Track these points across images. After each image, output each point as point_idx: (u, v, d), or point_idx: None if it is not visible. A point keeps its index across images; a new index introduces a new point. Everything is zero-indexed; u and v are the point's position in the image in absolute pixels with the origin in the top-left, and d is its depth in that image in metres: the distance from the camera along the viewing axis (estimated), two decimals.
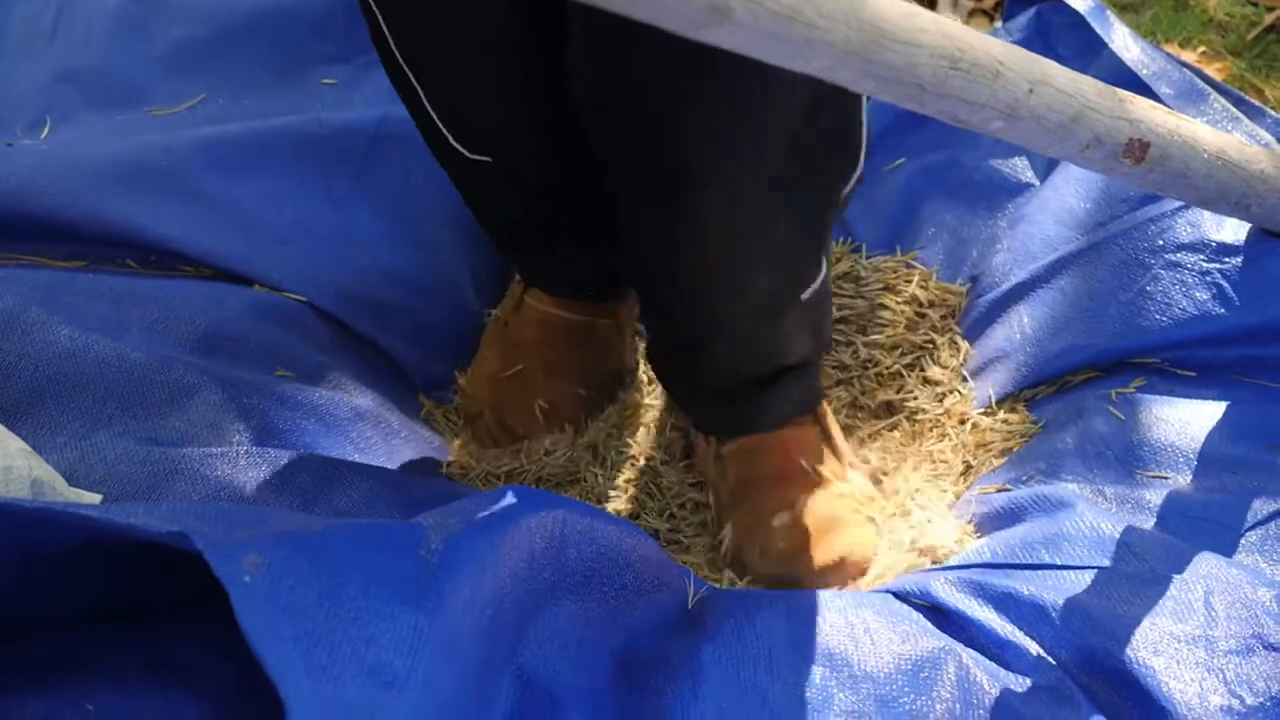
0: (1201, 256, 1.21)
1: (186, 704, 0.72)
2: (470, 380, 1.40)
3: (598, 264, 1.34)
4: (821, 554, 1.19)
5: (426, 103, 1.17)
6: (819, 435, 1.26)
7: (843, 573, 1.18)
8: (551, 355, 1.36)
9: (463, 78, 1.16)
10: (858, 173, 1.13)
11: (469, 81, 1.16)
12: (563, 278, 1.36)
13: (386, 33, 1.14)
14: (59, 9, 1.59)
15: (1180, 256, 1.22)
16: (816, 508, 1.21)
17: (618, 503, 1.31)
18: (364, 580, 0.64)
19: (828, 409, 1.29)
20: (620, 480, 1.32)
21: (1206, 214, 1.23)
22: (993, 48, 0.86)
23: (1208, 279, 1.20)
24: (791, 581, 1.18)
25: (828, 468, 1.25)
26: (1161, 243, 1.24)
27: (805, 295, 1.16)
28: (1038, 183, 1.47)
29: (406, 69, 1.15)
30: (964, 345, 1.40)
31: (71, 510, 0.66)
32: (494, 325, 1.42)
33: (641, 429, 1.37)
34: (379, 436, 1.26)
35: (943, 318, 1.43)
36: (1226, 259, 1.20)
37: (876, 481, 1.29)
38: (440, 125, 1.19)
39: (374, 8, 1.13)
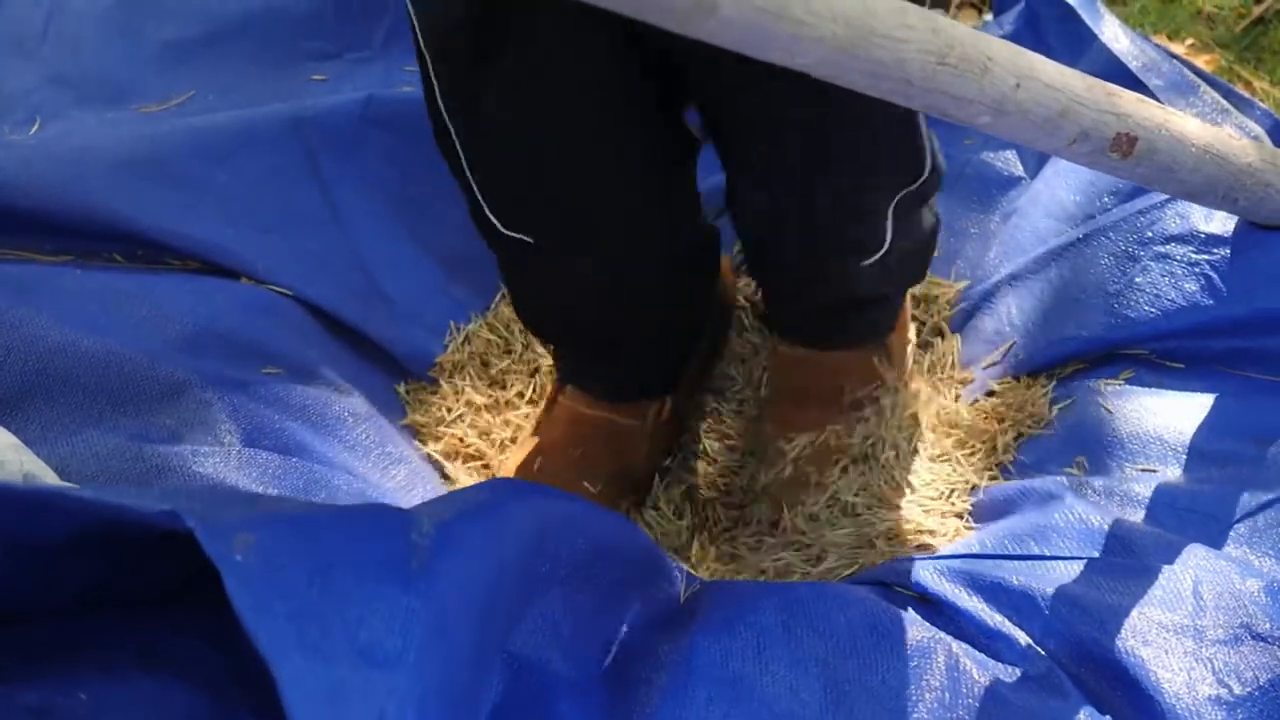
0: (1190, 248, 1.22)
1: (178, 691, 0.72)
2: (501, 467, 1.35)
3: (656, 368, 1.33)
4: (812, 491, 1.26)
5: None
6: (879, 360, 1.30)
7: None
8: (576, 454, 1.31)
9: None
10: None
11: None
12: (606, 378, 1.33)
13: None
14: (50, 9, 1.58)
15: (1169, 248, 1.23)
16: (830, 440, 1.27)
17: None
18: (356, 561, 0.64)
19: (899, 336, 1.33)
20: None
21: (1195, 206, 1.23)
22: (981, 43, 0.86)
23: (1196, 270, 1.20)
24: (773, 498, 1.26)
25: (877, 392, 1.29)
26: (1150, 235, 1.25)
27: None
28: (1028, 177, 1.47)
29: None
30: (954, 338, 1.40)
31: (64, 492, 0.66)
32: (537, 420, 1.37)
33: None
34: (368, 431, 1.26)
35: (933, 311, 1.43)
36: (1215, 251, 1.20)
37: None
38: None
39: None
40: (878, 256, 1.17)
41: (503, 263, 1.24)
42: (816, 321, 1.30)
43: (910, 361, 1.35)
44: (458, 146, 1.12)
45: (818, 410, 1.29)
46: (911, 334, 1.37)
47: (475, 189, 1.14)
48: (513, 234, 1.15)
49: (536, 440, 1.32)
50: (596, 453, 1.31)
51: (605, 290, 1.20)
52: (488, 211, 1.15)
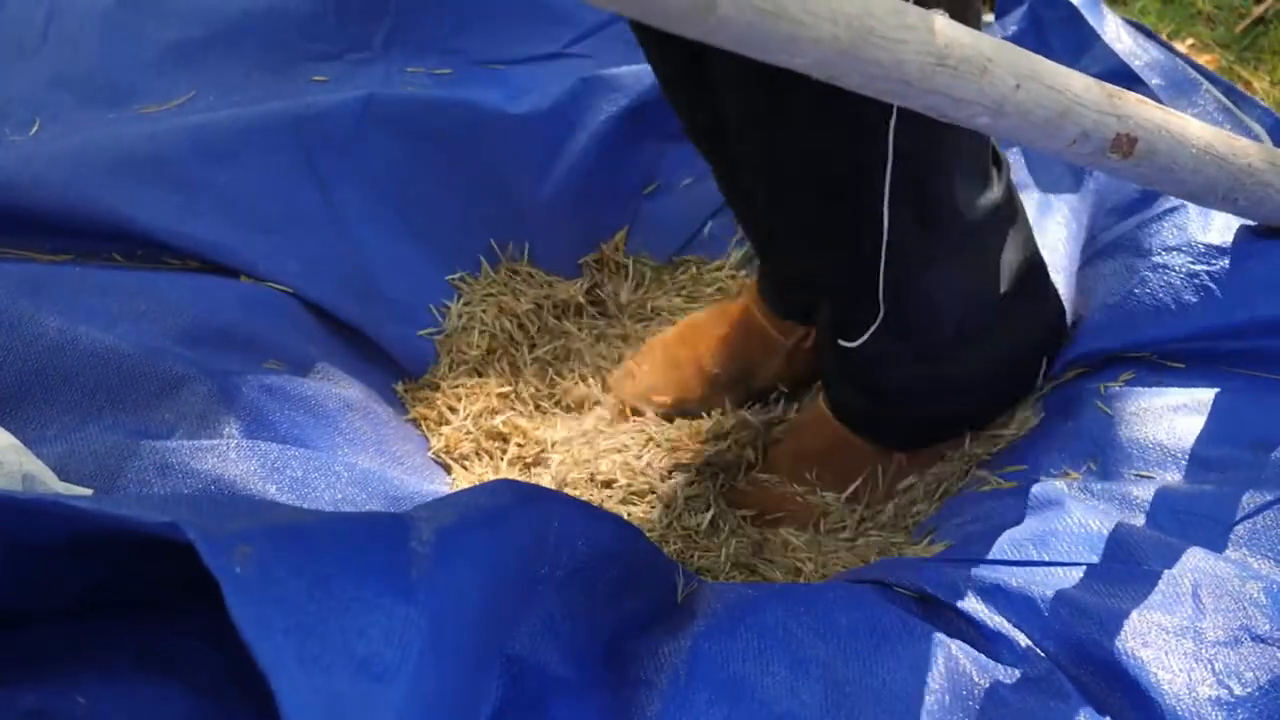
0: (1188, 258, 1.21)
1: (177, 695, 0.72)
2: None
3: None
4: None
5: None
6: (875, 467, 1.29)
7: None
8: (718, 333, 1.43)
9: None
10: None
11: None
12: (769, 288, 1.41)
13: None
14: (50, 10, 1.58)
15: (1167, 258, 1.23)
16: (787, 501, 1.29)
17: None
18: (355, 572, 0.64)
19: (909, 464, 1.30)
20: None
21: (1193, 216, 1.23)
22: (980, 43, 0.86)
23: (1195, 281, 1.20)
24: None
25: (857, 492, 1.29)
26: (1148, 246, 1.25)
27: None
28: (1031, 185, 1.47)
29: None
30: None
31: (64, 502, 0.66)
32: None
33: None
34: (368, 427, 1.26)
35: None
36: (1213, 260, 1.20)
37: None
38: None
39: None
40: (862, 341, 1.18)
41: None
42: (827, 372, 1.31)
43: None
44: None
45: (793, 463, 1.32)
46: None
47: None
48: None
49: (710, 311, 1.46)
50: (734, 340, 1.42)
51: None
52: None
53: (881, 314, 1.15)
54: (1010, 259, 1.20)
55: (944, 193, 1.11)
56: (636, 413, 1.41)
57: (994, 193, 1.16)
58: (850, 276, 1.14)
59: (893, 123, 1.01)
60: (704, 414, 1.40)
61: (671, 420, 1.41)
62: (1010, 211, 1.20)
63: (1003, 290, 1.20)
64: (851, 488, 1.29)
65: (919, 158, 1.05)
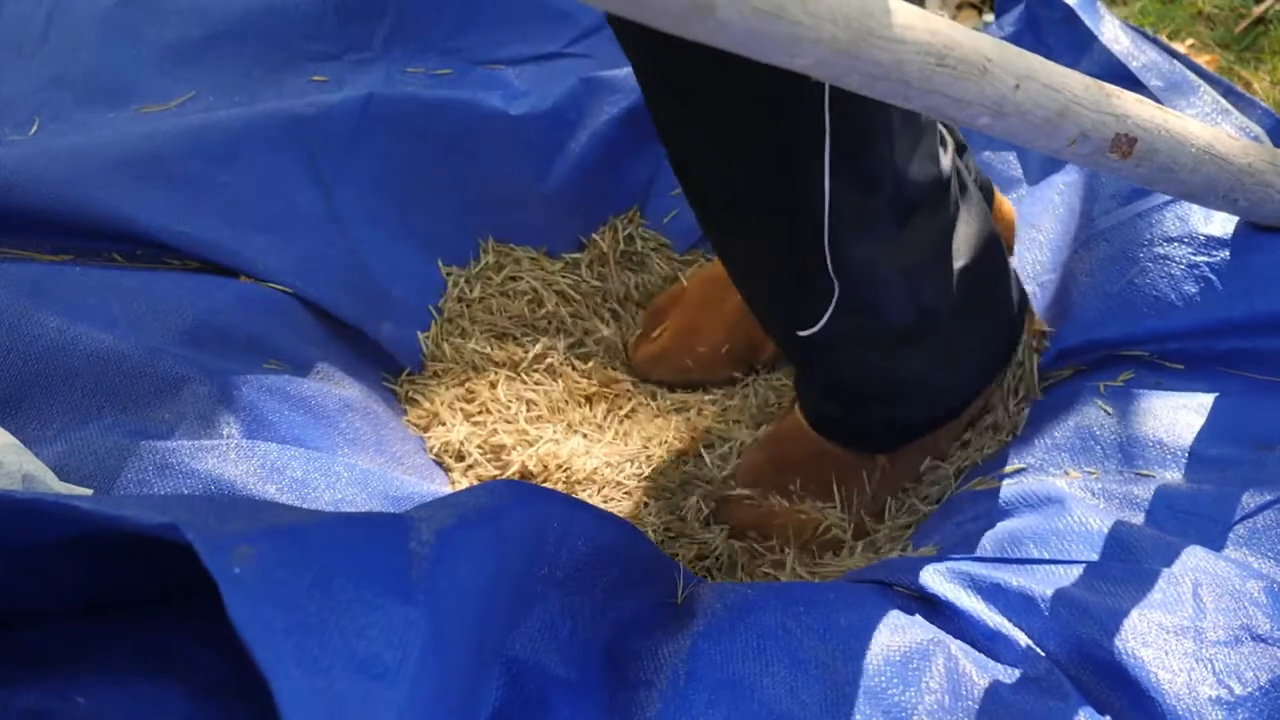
0: (1189, 249, 1.21)
1: (177, 695, 0.72)
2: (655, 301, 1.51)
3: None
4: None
5: None
6: (860, 474, 1.29)
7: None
8: (715, 294, 1.45)
9: None
10: None
11: None
12: None
13: None
14: (50, 10, 1.58)
15: (1168, 249, 1.23)
16: (774, 516, 1.28)
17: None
18: (354, 572, 0.64)
19: (892, 465, 1.30)
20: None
21: (1194, 207, 1.23)
22: (980, 44, 0.86)
23: (1196, 272, 1.20)
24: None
25: (841, 499, 1.28)
26: (1149, 236, 1.25)
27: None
28: (1026, 179, 1.47)
29: None
30: None
31: (63, 502, 0.66)
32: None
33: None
34: (368, 427, 1.26)
35: None
36: (1214, 252, 1.20)
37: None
38: None
39: None
40: (814, 331, 1.16)
41: None
42: (801, 391, 1.31)
43: (885, 508, 1.32)
44: None
45: (775, 474, 1.31)
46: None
47: None
48: None
49: (702, 275, 1.47)
50: (733, 305, 1.42)
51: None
52: None
53: (836, 291, 1.13)
54: (965, 237, 1.19)
55: (884, 160, 1.08)
56: (648, 381, 1.44)
57: (941, 169, 1.14)
58: (795, 248, 1.12)
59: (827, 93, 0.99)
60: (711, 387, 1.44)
61: (674, 390, 1.44)
62: (961, 191, 1.19)
63: (958, 268, 1.18)
64: (838, 498, 1.28)
65: (854, 132, 1.04)
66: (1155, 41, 1.45)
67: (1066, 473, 1.17)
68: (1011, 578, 1.00)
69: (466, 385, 1.41)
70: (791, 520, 1.28)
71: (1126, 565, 0.99)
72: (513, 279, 1.49)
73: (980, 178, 1.35)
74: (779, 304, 1.20)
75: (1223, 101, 1.33)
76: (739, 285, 1.22)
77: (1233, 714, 0.87)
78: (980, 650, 0.96)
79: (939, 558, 1.11)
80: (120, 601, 0.79)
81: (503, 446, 1.35)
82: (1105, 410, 1.19)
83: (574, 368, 1.44)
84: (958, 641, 0.96)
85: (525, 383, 1.42)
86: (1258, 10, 1.76)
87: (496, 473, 1.34)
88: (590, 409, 1.42)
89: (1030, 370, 1.29)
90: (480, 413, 1.39)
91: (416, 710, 0.60)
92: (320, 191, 1.43)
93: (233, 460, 1.07)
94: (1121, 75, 1.38)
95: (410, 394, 1.40)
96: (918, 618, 0.98)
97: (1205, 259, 1.20)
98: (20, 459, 0.94)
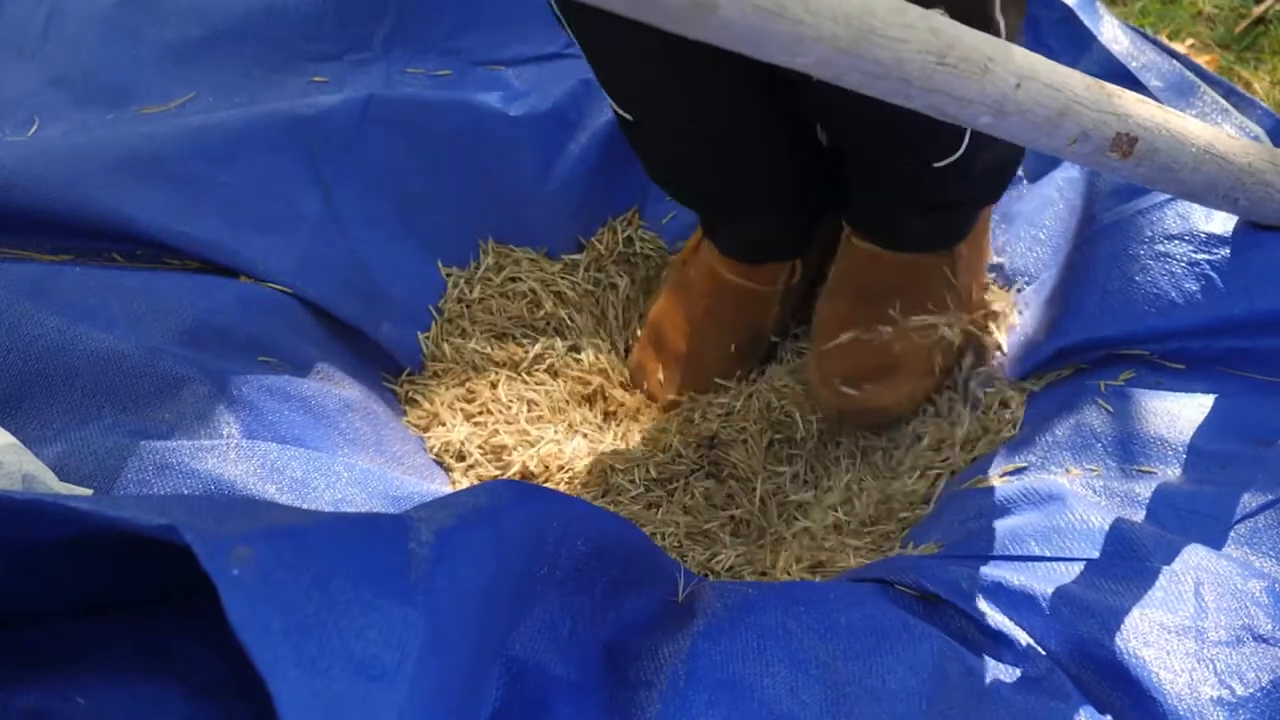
0: (1190, 247, 1.21)
1: (177, 695, 0.72)
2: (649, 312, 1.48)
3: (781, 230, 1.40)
4: (863, 396, 1.31)
5: None
6: (949, 268, 1.32)
7: (866, 419, 1.32)
8: (705, 304, 1.43)
9: None
10: None
11: None
12: (737, 239, 1.41)
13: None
14: (50, 10, 1.58)
15: (1169, 247, 1.23)
16: (892, 344, 1.31)
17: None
18: (353, 573, 0.64)
19: (968, 250, 1.34)
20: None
21: (1195, 206, 1.23)
22: (980, 43, 0.86)
23: (1196, 270, 1.20)
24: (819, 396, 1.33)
25: (936, 304, 1.32)
26: (1150, 234, 1.25)
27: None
28: (1026, 176, 1.47)
29: None
30: None
31: (61, 503, 0.66)
32: (675, 266, 1.49)
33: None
34: (368, 427, 1.26)
35: None
36: (1215, 250, 1.20)
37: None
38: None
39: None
40: (954, 159, 1.19)
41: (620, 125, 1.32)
42: (890, 220, 1.33)
43: (984, 275, 1.38)
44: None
45: (871, 307, 1.33)
46: (989, 251, 1.40)
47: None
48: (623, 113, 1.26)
49: (673, 291, 1.45)
50: (725, 309, 1.42)
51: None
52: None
53: None
54: None
55: None
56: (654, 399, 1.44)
57: None
58: None
59: None
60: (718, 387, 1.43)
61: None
62: None
63: None
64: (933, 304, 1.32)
65: None
66: (1155, 42, 1.45)
67: (1067, 470, 1.16)
68: (1012, 576, 1.00)
69: (467, 385, 1.41)
70: (907, 346, 1.31)
71: (1128, 563, 0.99)
72: (512, 280, 1.49)
73: None
74: (917, 143, 1.22)
75: (1223, 101, 1.33)
76: (852, 145, 1.26)
77: (1234, 715, 0.87)
78: (981, 649, 0.96)
79: (939, 556, 1.11)
80: (120, 601, 0.79)
81: (504, 447, 1.35)
82: (1105, 408, 1.19)
83: (574, 368, 1.44)
84: (958, 640, 0.96)
85: (526, 383, 1.42)
86: (1258, 10, 1.76)
87: (497, 473, 1.34)
88: (591, 409, 1.42)
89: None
90: (481, 413, 1.39)
91: (416, 711, 0.60)
92: (320, 191, 1.43)
93: (232, 460, 1.07)
94: (1121, 75, 1.38)
95: (410, 394, 1.40)
96: (918, 617, 0.98)
97: (1206, 256, 1.20)
98: (20, 459, 0.94)
